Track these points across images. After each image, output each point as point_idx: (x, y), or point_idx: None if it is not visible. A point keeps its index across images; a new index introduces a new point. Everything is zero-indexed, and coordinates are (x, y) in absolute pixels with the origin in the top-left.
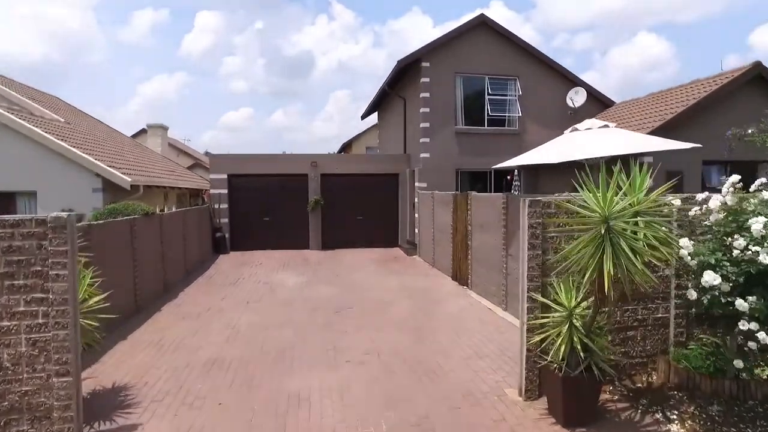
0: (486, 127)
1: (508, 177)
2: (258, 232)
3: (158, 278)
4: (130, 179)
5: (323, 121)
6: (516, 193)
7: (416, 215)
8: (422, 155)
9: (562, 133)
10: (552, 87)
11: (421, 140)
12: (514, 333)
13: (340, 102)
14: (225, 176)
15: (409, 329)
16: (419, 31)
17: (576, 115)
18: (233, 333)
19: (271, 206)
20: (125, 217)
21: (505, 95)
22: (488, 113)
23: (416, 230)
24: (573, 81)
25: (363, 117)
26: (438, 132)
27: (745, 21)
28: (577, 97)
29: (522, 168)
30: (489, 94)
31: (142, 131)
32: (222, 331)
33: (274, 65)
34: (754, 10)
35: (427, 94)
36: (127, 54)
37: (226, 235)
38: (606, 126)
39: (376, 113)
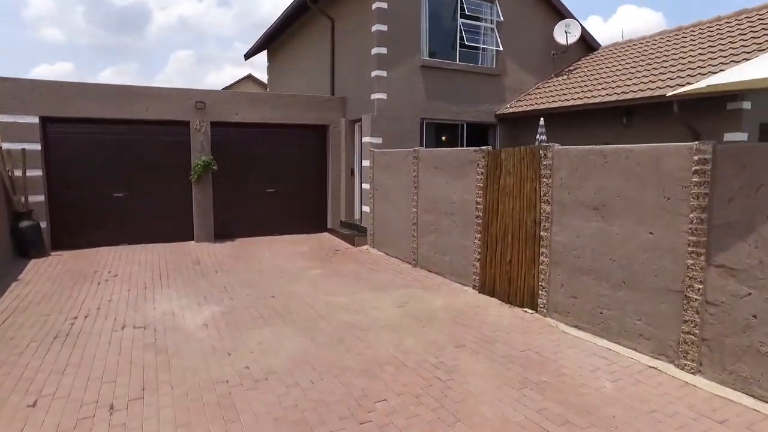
0: (458, 62)
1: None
2: (104, 217)
3: None
4: None
5: (163, 83)
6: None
7: (365, 186)
8: (375, 96)
9: (549, 77)
10: (539, 18)
11: (374, 74)
12: None
13: (182, 62)
14: (36, 120)
15: None
16: None
17: (562, 57)
18: None
19: (128, 173)
20: None
21: (481, 20)
22: (462, 41)
23: (366, 208)
24: (562, 13)
25: (248, 56)
26: (397, 64)
27: None
28: (571, 31)
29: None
30: (463, 15)
31: None
32: None
33: (98, 14)
34: None
35: (383, 4)
36: None
37: (42, 225)
38: None
39: (265, 52)
